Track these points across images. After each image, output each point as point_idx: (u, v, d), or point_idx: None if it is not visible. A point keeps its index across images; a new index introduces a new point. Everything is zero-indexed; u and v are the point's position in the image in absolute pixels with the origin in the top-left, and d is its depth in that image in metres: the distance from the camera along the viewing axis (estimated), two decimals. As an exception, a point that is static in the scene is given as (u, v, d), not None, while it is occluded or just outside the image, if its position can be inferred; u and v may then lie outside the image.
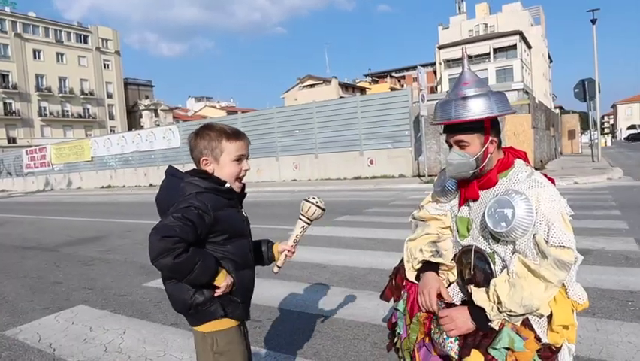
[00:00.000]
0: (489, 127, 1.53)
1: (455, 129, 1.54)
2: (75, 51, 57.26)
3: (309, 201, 1.70)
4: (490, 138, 1.53)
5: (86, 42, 58.78)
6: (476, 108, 1.47)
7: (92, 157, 27.76)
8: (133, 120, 62.56)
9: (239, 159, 1.58)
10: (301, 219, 1.71)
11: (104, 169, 27.23)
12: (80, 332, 3.26)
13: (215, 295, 1.52)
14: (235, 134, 1.59)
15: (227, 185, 1.57)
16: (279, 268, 1.74)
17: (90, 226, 9.41)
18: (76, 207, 15.20)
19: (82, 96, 57.01)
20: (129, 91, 64.84)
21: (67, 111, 56.09)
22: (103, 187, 26.71)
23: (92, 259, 5.94)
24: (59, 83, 55.37)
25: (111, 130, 56.39)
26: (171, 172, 1.62)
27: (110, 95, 60.54)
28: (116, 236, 7.74)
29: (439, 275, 1.69)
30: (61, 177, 30.32)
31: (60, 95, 55.12)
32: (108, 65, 60.78)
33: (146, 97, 66.68)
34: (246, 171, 1.61)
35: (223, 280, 1.51)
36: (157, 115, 63.77)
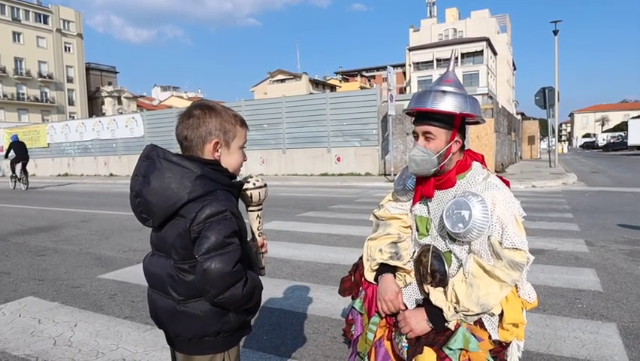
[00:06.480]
0: (458, 125, 1.57)
1: (426, 118, 1.57)
2: (33, 31, 54.42)
3: (248, 190, 1.43)
4: (456, 138, 1.57)
5: (45, 22, 55.96)
6: (452, 102, 1.52)
7: (48, 143, 26.55)
8: (94, 107, 60.21)
9: (243, 148, 1.35)
10: (252, 210, 1.48)
11: (61, 156, 26.10)
12: (28, 324, 3.10)
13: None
14: (243, 120, 1.34)
15: (238, 179, 1.33)
16: (264, 267, 1.59)
17: (44, 215, 8.99)
18: (29, 195, 14.49)
19: (39, 79, 54.30)
20: (91, 76, 62.31)
21: (22, 94, 53.31)
22: (59, 175, 25.62)
23: (45, 249, 5.67)
24: (15, 64, 52.52)
25: (70, 116, 54.07)
26: (165, 156, 1.19)
27: (70, 80, 57.90)
28: (71, 226, 7.43)
29: (395, 277, 1.70)
30: (14, 163, 28.83)
31: (15, 76, 52.33)
32: (69, 47, 58.13)
33: (109, 83, 64.29)
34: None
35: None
36: (120, 103, 61.71)
